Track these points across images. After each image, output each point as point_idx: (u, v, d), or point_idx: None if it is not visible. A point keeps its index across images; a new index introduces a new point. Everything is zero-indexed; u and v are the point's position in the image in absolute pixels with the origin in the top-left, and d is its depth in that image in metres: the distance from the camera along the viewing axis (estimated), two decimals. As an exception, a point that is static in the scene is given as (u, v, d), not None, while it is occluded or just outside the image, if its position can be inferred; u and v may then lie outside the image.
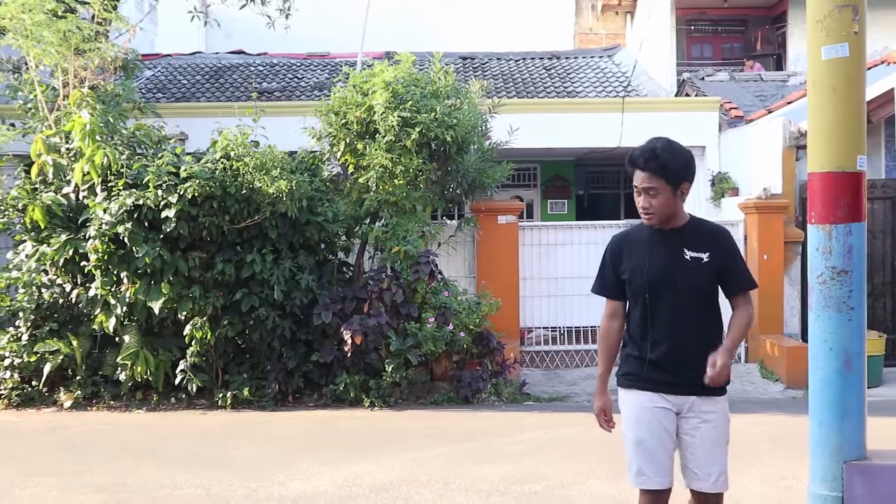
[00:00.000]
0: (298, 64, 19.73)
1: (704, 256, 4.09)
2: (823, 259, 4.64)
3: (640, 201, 4.09)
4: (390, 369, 9.78)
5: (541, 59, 19.80)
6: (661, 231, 4.13)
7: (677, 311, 4.07)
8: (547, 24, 26.35)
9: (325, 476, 7.10)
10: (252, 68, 19.23)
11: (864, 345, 4.69)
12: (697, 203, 14.57)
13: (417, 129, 10.01)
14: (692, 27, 22.90)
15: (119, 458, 7.77)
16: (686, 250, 4.09)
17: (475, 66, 19.10)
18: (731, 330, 4.21)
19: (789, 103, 15.26)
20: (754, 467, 6.98)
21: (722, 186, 14.01)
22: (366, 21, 15.52)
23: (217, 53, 20.88)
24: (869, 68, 14.87)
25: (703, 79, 18.79)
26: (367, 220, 10.79)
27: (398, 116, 9.98)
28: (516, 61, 19.60)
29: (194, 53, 20.86)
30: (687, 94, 17.86)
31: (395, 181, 10.26)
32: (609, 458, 7.40)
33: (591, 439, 8.17)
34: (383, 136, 10.13)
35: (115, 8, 11.93)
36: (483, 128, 11.15)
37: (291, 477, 7.08)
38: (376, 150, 10.18)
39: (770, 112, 15.17)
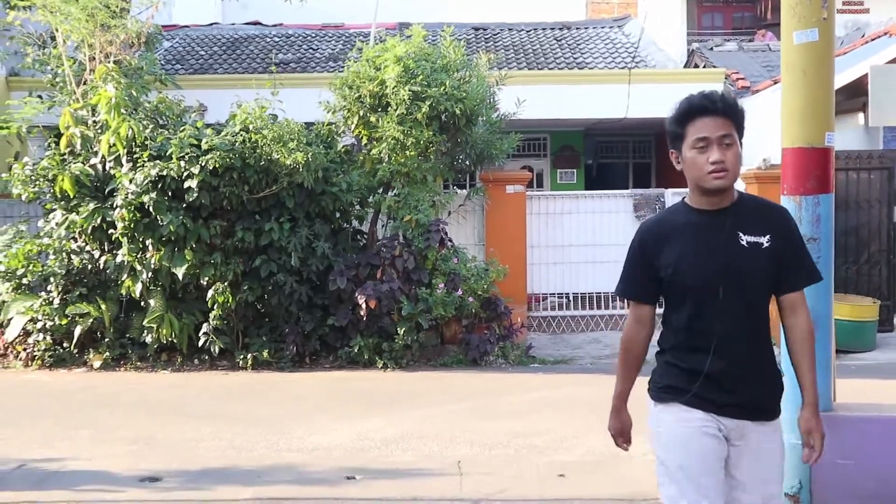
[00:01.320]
0: (313, 35, 20.06)
1: (763, 240, 3.25)
2: (794, 228, 5.10)
3: (709, 156, 3.21)
4: (402, 332, 10.27)
5: (552, 29, 20.06)
6: (706, 213, 3.31)
7: (735, 313, 3.24)
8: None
9: (341, 431, 7.61)
10: (268, 39, 19.60)
11: (831, 307, 5.15)
12: (702, 172, 14.94)
13: (428, 103, 10.42)
14: (703, -4, 23.11)
15: (147, 415, 8.31)
16: (741, 234, 3.25)
17: (486, 36, 19.40)
18: (802, 361, 3.40)
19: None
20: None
21: (726, 156, 14.35)
22: (379, -6, 15.83)
23: (234, 25, 21.18)
24: (872, 39, 15.16)
25: (711, 49, 19.07)
26: (380, 190, 11.23)
27: (409, 90, 10.39)
28: (527, 31, 19.88)
29: (211, 24, 21.18)
30: (696, 65, 18.15)
31: (407, 153, 10.69)
32: (608, 417, 7.88)
33: (593, 399, 8.67)
34: (395, 110, 10.54)
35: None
36: (491, 100, 11.54)
37: (309, 431, 7.59)
38: (388, 122, 10.60)
39: (776, 83, 15.47)
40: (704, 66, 17.26)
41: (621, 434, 3.70)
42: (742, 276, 3.23)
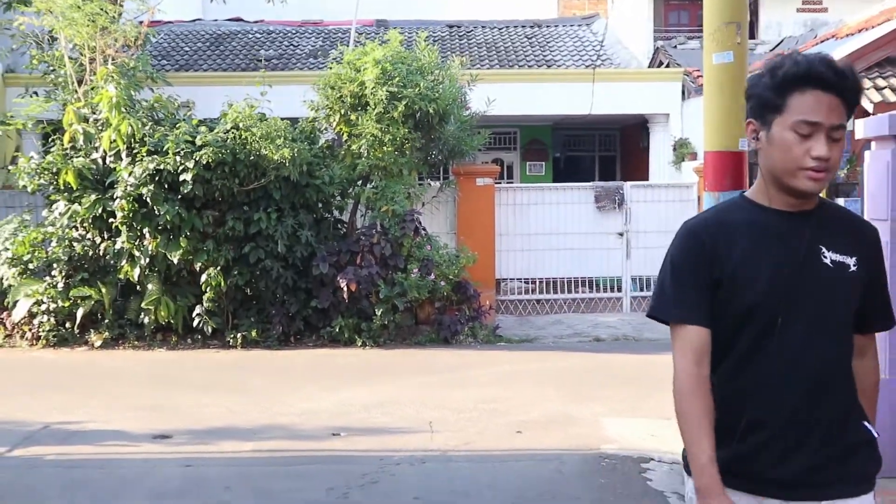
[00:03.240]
0: (293, 31, 20.87)
1: (851, 262, 2.44)
2: (712, 220, 6.08)
3: (811, 148, 2.34)
4: (380, 314, 11.20)
5: (523, 27, 20.99)
6: (780, 214, 2.46)
7: (814, 351, 2.40)
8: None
9: (325, 398, 8.56)
10: (250, 36, 20.42)
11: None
12: (660, 167, 15.96)
13: (404, 103, 11.32)
14: (670, -6, 24.08)
15: (150, 386, 9.22)
16: (825, 249, 2.42)
17: (460, 34, 20.31)
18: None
19: (751, 73, 16.53)
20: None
21: (682, 151, 15.38)
22: (358, -6, 16.60)
23: (216, 20, 21.89)
24: (822, 41, 16.21)
25: (675, 47, 20.07)
26: (360, 183, 12.12)
27: (387, 91, 11.29)
28: (500, 29, 20.80)
29: (194, 21, 21.94)
30: (661, 62, 19.14)
31: (384, 148, 11.59)
32: (564, 387, 8.92)
33: (551, 372, 9.67)
34: (374, 109, 11.43)
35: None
36: (462, 100, 12.46)
37: (297, 399, 8.53)
38: (367, 120, 11.49)
39: (732, 81, 16.47)
40: (668, 64, 18.25)
41: None
42: (826, 303, 2.40)
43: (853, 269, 2.44)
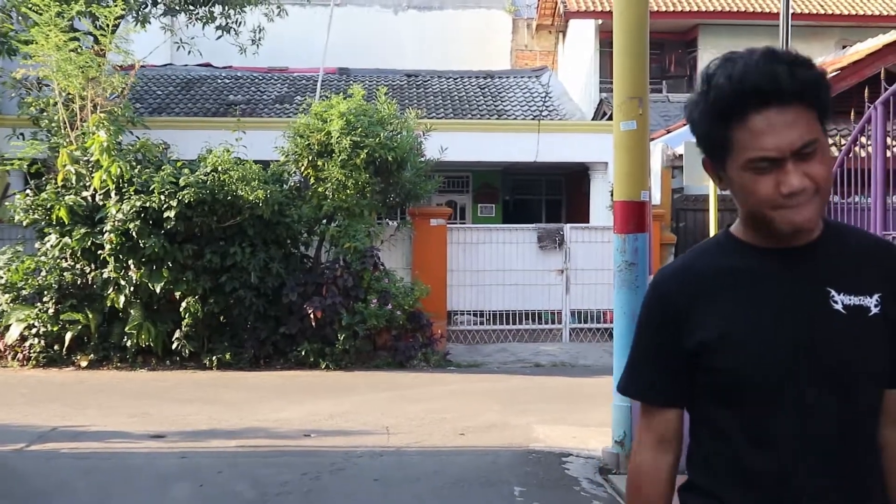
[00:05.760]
0: (260, 77, 22.14)
1: (871, 303, 1.91)
2: (620, 256, 7.48)
3: (779, 182, 1.82)
4: (342, 339, 12.46)
5: (476, 77, 22.52)
6: (771, 253, 1.95)
7: (825, 426, 1.88)
8: (488, 39, 29.06)
9: (294, 410, 9.78)
10: (219, 81, 21.69)
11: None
12: (600, 210, 17.43)
13: (365, 151, 12.68)
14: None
15: (138, 399, 10.37)
16: (833, 292, 1.91)
17: (418, 83, 21.77)
18: None
19: (685, 125, 18.11)
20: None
21: (618, 197, 16.84)
22: (326, 45, 17.95)
23: (186, 66, 23.07)
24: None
25: (616, 99, 21.60)
26: (325, 222, 13.43)
27: (350, 140, 12.64)
28: (455, 80, 22.30)
29: (165, 65, 23.11)
30: (604, 113, 20.70)
31: (347, 191, 12.92)
32: (504, 402, 10.24)
33: (494, 390, 10.99)
34: (338, 156, 12.77)
35: (115, 30, 14.10)
36: (418, 148, 13.86)
37: (270, 409, 9.76)
38: (332, 166, 12.83)
39: (668, 132, 18.10)
40: (611, 115, 19.76)
41: None
42: (836, 365, 1.88)
43: (875, 310, 1.90)
